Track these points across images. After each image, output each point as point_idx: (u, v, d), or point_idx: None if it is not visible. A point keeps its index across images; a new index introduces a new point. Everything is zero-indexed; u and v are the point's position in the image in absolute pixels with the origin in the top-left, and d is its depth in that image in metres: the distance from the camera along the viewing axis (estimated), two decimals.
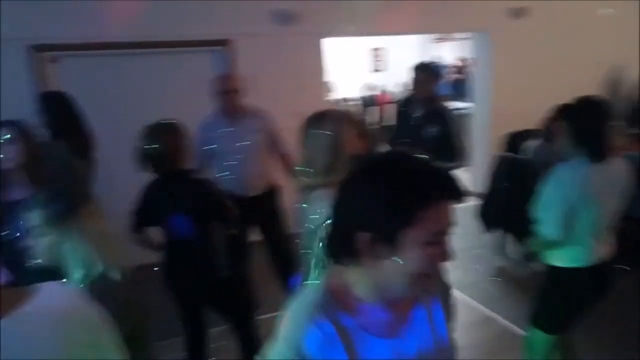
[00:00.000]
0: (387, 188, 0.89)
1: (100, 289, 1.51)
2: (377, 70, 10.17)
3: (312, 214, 1.80)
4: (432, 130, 3.20)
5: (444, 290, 1.15)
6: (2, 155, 2.03)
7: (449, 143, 3.18)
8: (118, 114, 4.03)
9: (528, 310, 2.30)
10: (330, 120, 1.87)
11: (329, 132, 1.83)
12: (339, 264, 0.99)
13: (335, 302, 0.97)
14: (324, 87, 4.76)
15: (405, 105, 3.58)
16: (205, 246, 2.42)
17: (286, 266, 3.31)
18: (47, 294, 0.96)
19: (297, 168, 1.95)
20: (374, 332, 0.98)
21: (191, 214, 2.34)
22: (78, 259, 1.51)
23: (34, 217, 1.52)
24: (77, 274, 1.51)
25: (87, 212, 1.57)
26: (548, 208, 2.02)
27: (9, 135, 2.05)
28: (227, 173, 3.19)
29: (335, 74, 4.87)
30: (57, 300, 0.97)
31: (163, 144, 2.32)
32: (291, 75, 4.38)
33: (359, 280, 0.97)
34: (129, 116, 4.04)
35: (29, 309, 0.91)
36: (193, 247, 2.39)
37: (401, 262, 0.90)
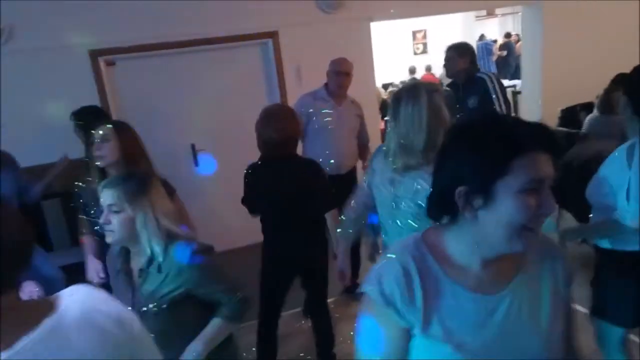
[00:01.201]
0: (482, 140, 0.92)
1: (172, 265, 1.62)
2: (419, 53, 10.04)
3: (405, 193, 1.77)
4: (472, 102, 3.33)
5: (555, 256, 1.07)
6: (99, 153, 2.21)
7: (491, 109, 3.25)
8: (173, 112, 4.20)
9: (589, 297, 2.13)
10: (426, 93, 1.77)
11: (425, 107, 1.74)
12: (437, 224, 1.03)
13: (426, 249, 1.01)
14: (373, 73, 4.76)
15: (451, 87, 3.67)
16: (308, 225, 2.52)
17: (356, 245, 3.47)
18: (73, 298, 0.97)
19: (386, 148, 1.88)
20: (461, 283, 0.99)
21: (299, 196, 2.43)
22: (150, 234, 1.61)
23: (109, 196, 1.62)
24: (149, 249, 1.62)
25: (157, 191, 1.67)
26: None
27: (105, 133, 2.21)
28: (325, 151, 3.39)
29: (377, 58, 4.86)
30: (85, 303, 0.97)
31: (282, 128, 2.41)
32: None
33: (456, 238, 0.99)
34: (183, 113, 4.24)
35: (58, 316, 0.90)
36: (298, 226, 2.49)
37: (498, 213, 0.91)
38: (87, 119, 3.15)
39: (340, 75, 3.46)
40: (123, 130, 2.28)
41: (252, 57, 4.42)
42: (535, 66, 5.47)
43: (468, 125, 1.00)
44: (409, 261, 0.99)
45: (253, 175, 2.53)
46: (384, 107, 5.76)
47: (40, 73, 3.77)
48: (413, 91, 1.79)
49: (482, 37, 10.17)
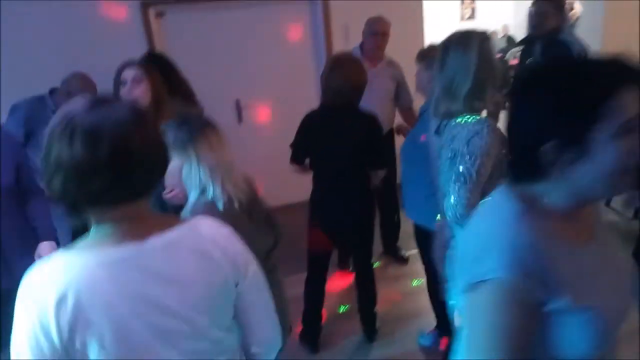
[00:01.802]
0: (566, 85, 0.82)
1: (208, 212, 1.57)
2: (467, 18, 9.68)
3: (451, 143, 1.73)
4: None
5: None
6: (129, 96, 2.14)
7: None
8: (220, 67, 4.19)
9: None
10: (477, 39, 1.73)
11: (475, 53, 1.70)
12: (523, 186, 0.91)
13: (533, 211, 0.88)
14: (422, 33, 4.60)
15: (525, 44, 3.46)
16: (362, 182, 2.51)
17: (392, 207, 3.52)
18: (196, 224, 1.02)
19: (434, 95, 1.85)
20: (570, 238, 0.89)
21: (354, 148, 2.41)
22: (192, 185, 1.57)
23: None
24: (192, 196, 1.58)
25: (207, 141, 1.61)
26: None
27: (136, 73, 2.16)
28: None
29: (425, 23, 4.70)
30: (207, 231, 1.02)
31: (351, 75, 2.40)
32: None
33: (550, 191, 0.88)
34: (231, 68, 4.23)
35: (176, 234, 0.97)
36: (350, 181, 2.48)
37: (598, 164, 0.81)
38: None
39: (376, 36, 3.29)
40: (153, 71, 2.24)
41: (301, 14, 4.34)
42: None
43: (544, 71, 0.89)
44: (527, 230, 0.85)
45: (310, 122, 2.52)
46: None
47: (91, 23, 3.79)
48: (464, 37, 1.75)
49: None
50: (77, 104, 0.90)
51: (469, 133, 1.68)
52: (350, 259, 3.10)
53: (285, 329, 1.70)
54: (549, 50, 3.11)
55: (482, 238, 0.90)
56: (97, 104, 0.90)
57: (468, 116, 1.72)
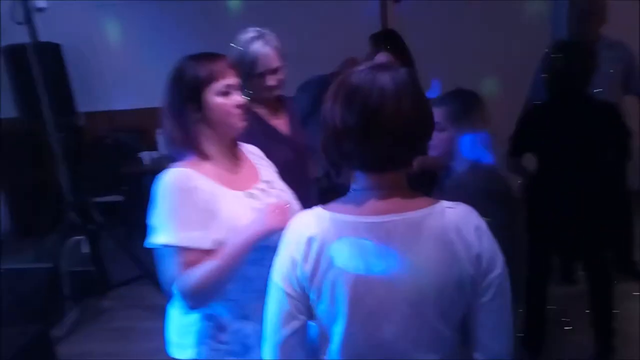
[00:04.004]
0: None
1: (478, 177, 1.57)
2: None
3: None
4: None
5: None
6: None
7: None
8: (453, 59, 4.00)
9: None
10: None
11: None
12: None
13: None
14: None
15: None
16: (599, 184, 2.24)
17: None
18: (444, 210, 0.97)
19: None
20: None
21: (591, 144, 2.19)
22: (466, 153, 1.58)
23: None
24: (459, 166, 1.61)
25: (481, 114, 1.64)
26: None
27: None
28: None
29: None
30: (451, 220, 0.96)
31: (577, 62, 2.22)
32: None
33: None
34: (466, 61, 4.00)
35: (421, 215, 0.95)
36: (582, 182, 2.21)
37: None
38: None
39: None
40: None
41: None
42: None
43: None
44: None
45: (537, 115, 2.34)
46: None
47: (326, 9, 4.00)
48: None
49: None
50: (357, 69, 0.95)
51: None
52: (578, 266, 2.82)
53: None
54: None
55: None
56: (372, 69, 0.93)
57: None
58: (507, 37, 4.10)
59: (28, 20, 2.90)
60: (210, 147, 1.34)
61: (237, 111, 1.34)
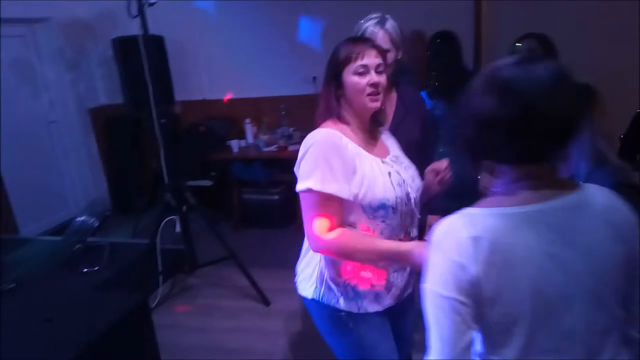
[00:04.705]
0: None
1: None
2: None
3: None
4: None
5: None
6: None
7: None
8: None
9: None
10: None
11: None
12: None
13: None
14: None
15: None
16: None
17: None
18: (596, 192, 0.99)
19: None
20: None
21: None
22: (580, 154, 1.55)
23: None
24: (580, 168, 1.56)
25: (601, 111, 1.59)
26: None
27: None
28: None
29: None
30: (603, 202, 0.97)
31: None
32: None
33: None
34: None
35: (577, 197, 0.96)
36: None
37: None
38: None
39: None
40: None
41: None
42: None
43: None
44: None
45: None
46: None
47: None
48: None
49: None
50: (505, 60, 0.94)
51: None
52: None
53: None
54: None
55: None
56: (523, 61, 0.92)
57: None
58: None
59: (141, 14, 3.13)
60: (350, 119, 1.50)
61: (370, 89, 1.45)
